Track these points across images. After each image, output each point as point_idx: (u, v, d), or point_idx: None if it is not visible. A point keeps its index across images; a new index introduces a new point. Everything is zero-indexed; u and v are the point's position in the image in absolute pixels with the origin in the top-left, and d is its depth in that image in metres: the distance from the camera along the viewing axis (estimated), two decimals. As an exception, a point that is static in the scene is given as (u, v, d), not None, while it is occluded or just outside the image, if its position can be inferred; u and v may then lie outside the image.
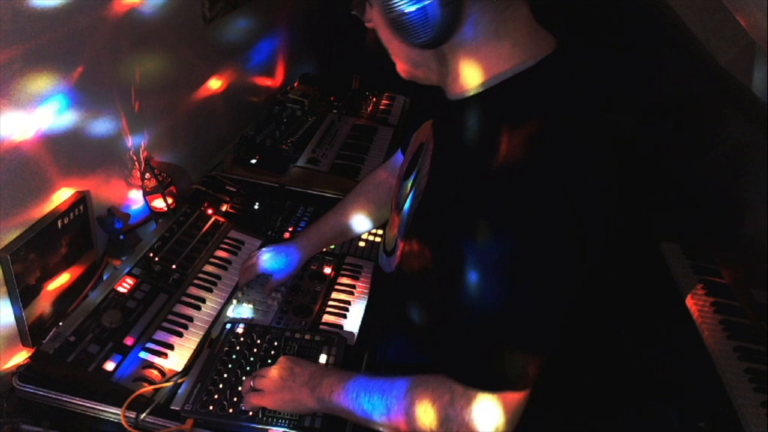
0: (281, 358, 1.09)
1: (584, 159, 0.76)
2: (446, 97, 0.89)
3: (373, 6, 0.81)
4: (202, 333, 1.32)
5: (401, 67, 0.89)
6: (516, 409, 0.81)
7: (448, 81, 0.86)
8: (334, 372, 1.03)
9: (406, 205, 1.01)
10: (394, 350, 1.13)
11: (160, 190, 1.58)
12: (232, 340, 1.26)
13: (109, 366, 1.17)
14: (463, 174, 0.82)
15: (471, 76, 0.83)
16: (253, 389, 1.09)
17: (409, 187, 1.03)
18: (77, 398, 1.14)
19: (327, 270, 1.56)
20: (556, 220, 0.73)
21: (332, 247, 1.66)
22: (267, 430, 1.10)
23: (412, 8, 0.72)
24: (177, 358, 1.24)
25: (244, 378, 1.17)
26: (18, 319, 1.22)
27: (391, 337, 1.13)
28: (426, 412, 0.84)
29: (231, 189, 1.81)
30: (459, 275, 0.78)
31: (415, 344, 1.06)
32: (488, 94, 0.82)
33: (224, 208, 1.73)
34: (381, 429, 0.93)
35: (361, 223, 1.40)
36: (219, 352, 1.24)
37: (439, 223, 0.85)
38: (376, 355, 1.23)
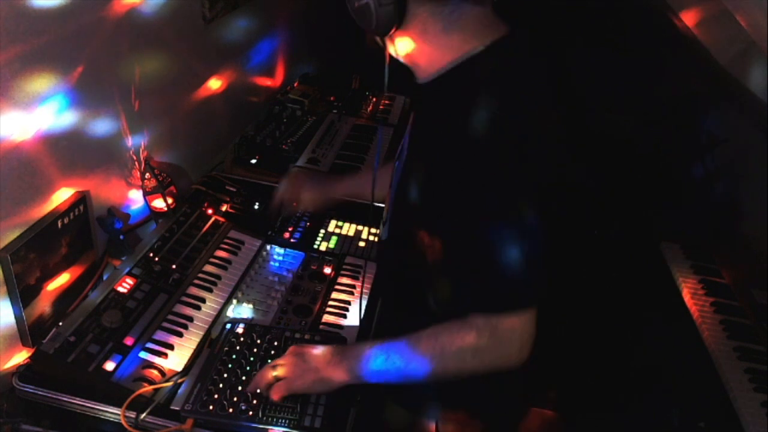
0: (291, 348, 1.14)
1: (522, 103, 0.93)
2: (417, 83, 1.05)
3: None
4: (202, 333, 1.32)
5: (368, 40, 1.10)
6: (531, 326, 0.93)
7: (414, 67, 1.03)
8: (352, 345, 1.17)
9: (395, 179, 1.17)
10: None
11: (160, 190, 1.58)
12: (232, 340, 1.26)
13: (109, 366, 1.17)
14: (430, 141, 1.00)
15: (429, 64, 0.99)
16: (277, 380, 1.10)
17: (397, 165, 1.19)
18: (77, 398, 1.14)
19: (327, 270, 1.56)
20: (512, 151, 0.90)
21: (332, 246, 1.66)
22: (267, 430, 1.10)
23: (361, 3, 0.93)
24: (177, 358, 1.24)
25: (244, 378, 1.17)
26: (18, 319, 1.22)
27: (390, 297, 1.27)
28: (459, 351, 0.96)
29: (231, 189, 1.81)
30: (454, 218, 0.93)
31: (410, 298, 1.17)
32: (445, 76, 0.97)
33: (224, 208, 1.73)
34: (417, 379, 1.01)
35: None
36: (219, 352, 1.23)
37: (419, 185, 1.00)
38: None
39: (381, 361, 1.04)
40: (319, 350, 1.12)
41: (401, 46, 0.99)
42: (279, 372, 1.11)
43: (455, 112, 0.92)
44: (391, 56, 1.01)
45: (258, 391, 1.13)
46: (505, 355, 0.95)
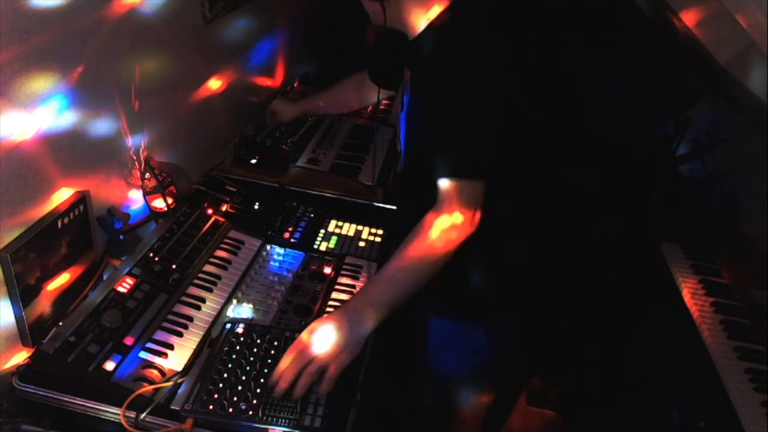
0: (303, 337, 1.17)
1: (490, 32, 1.28)
2: (409, 41, 1.34)
3: None
4: (202, 333, 1.32)
5: (372, 15, 1.37)
6: (482, 191, 1.26)
7: (401, 25, 1.33)
8: (358, 295, 1.31)
9: (402, 124, 1.45)
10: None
11: (160, 190, 1.58)
12: (232, 340, 1.26)
13: (109, 366, 1.17)
14: (431, 74, 1.29)
15: (415, 20, 1.31)
16: (320, 372, 1.14)
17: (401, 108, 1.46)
18: (77, 398, 1.14)
19: (327, 270, 1.56)
20: (486, 60, 1.24)
21: (332, 246, 1.66)
22: (267, 429, 1.10)
23: None
24: (177, 357, 1.24)
25: (244, 378, 1.17)
26: (18, 319, 1.22)
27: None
28: (442, 232, 1.24)
29: (231, 189, 1.81)
30: (435, 111, 1.27)
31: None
32: (431, 25, 1.29)
33: (224, 208, 1.73)
34: (433, 274, 1.25)
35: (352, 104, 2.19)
36: (219, 352, 1.24)
37: (424, 118, 1.33)
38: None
39: (395, 283, 1.24)
40: (331, 320, 1.18)
41: (393, 8, 1.29)
42: (321, 364, 1.14)
43: (451, 50, 1.25)
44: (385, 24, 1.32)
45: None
46: (469, 223, 1.24)
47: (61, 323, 1.23)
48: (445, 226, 1.24)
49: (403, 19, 1.32)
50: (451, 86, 1.24)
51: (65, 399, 1.14)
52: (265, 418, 1.11)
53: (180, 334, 1.29)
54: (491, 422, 2.25)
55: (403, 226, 1.49)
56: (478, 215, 1.26)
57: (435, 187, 1.29)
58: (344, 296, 1.48)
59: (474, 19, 1.28)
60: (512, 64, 1.30)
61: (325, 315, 1.25)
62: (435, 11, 1.28)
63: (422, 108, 1.35)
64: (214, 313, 1.38)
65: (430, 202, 1.30)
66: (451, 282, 1.45)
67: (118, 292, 1.33)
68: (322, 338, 1.16)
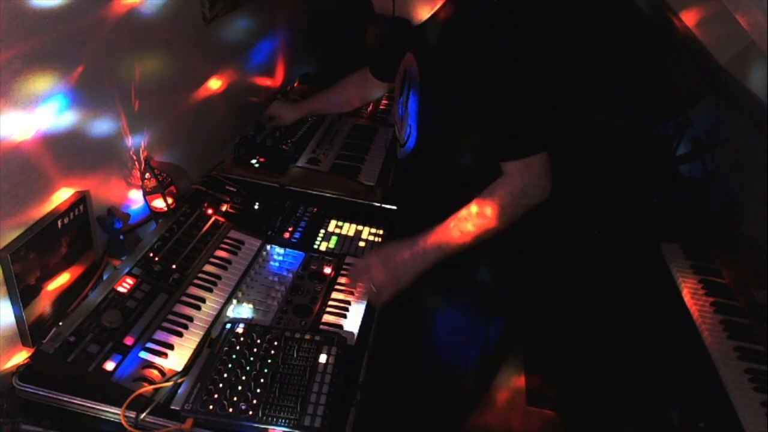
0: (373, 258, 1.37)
1: (512, 16, 1.33)
2: (412, 28, 1.42)
3: None
4: (202, 333, 1.32)
5: (378, 9, 1.44)
6: (549, 164, 1.30)
7: (407, 14, 1.41)
8: (417, 238, 1.35)
9: (411, 106, 1.48)
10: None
11: (160, 190, 1.58)
12: (232, 340, 1.26)
13: (109, 366, 1.17)
14: (446, 57, 1.33)
15: (421, 8, 1.38)
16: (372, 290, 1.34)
17: (407, 97, 1.50)
18: (77, 398, 1.14)
19: (327, 270, 1.56)
20: (523, 44, 1.32)
21: (332, 246, 1.66)
22: (267, 429, 1.10)
23: None
24: (177, 357, 1.24)
25: (244, 378, 1.17)
26: (18, 319, 1.22)
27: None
28: (511, 197, 1.30)
29: (231, 189, 1.81)
30: (487, 98, 1.29)
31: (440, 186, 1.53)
32: (438, 13, 1.37)
33: (224, 208, 1.73)
34: (479, 237, 1.32)
35: (353, 102, 2.15)
36: (219, 352, 1.24)
37: (447, 92, 1.34)
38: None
39: (448, 233, 1.33)
40: (398, 254, 1.35)
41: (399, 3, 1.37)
42: (375, 284, 1.34)
43: (466, 33, 1.30)
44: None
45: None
46: (542, 187, 1.30)
47: (61, 323, 1.23)
48: (515, 195, 1.30)
49: (408, 7, 1.39)
50: (481, 71, 1.28)
51: (65, 399, 1.14)
52: (265, 418, 1.11)
53: (180, 334, 1.29)
54: (490, 419, 2.25)
55: (409, 206, 1.67)
56: (549, 185, 1.31)
57: (450, 165, 1.41)
58: (344, 296, 1.48)
59: (483, 7, 1.34)
60: (528, 44, 1.36)
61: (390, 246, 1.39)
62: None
63: (444, 93, 1.37)
64: (214, 313, 1.38)
65: (441, 181, 1.43)
66: (455, 278, 1.55)
67: (118, 292, 1.33)
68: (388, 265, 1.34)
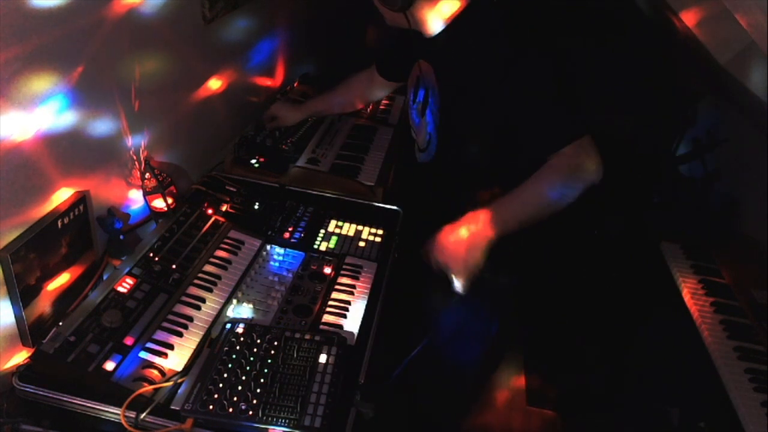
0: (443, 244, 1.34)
1: (522, 23, 1.39)
2: (424, 39, 1.48)
3: None
4: (202, 333, 1.32)
5: (391, 21, 1.49)
6: (591, 142, 1.35)
7: (422, 28, 1.47)
8: (488, 211, 1.34)
9: (429, 114, 1.55)
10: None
11: (160, 190, 1.58)
12: (232, 340, 1.26)
13: (109, 366, 1.17)
14: (466, 68, 1.41)
15: (435, 22, 1.45)
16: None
17: (422, 103, 1.57)
18: (77, 398, 1.14)
19: (327, 270, 1.56)
20: (539, 47, 1.37)
21: (332, 246, 1.66)
22: (267, 429, 1.10)
23: None
24: (177, 357, 1.24)
25: (244, 378, 1.17)
26: (18, 319, 1.22)
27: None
28: (572, 170, 1.34)
29: (231, 189, 1.81)
30: (518, 102, 1.35)
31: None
32: (450, 26, 1.43)
33: (224, 208, 1.73)
34: (548, 210, 1.35)
35: (357, 103, 2.19)
36: (219, 352, 1.24)
37: (471, 98, 1.42)
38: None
39: (519, 209, 1.35)
40: (464, 228, 1.33)
41: (415, 15, 1.42)
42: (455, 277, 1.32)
43: (482, 43, 1.38)
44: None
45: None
46: (595, 164, 1.34)
47: (61, 323, 1.23)
48: (572, 167, 1.34)
49: (420, 21, 1.45)
50: (505, 78, 1.34)
51: (65, 399, 1.14)
52: (265, 418, 1.11)
53: (180, 334, 1.29)
54: (490, 419, 2.25)
55: (430, 208, 1.69)
56: (601, 164, 1.35)
57: (476, 170, 1.46)
58: (344, 296, 1.48)
59: (495, 10, 1.41)
60: (540, 42, 1.41)
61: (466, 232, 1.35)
62: (450, 11, 1.42)
63: (468, 104, 1.44)
64: (214, 313, 1.38)
65: (465, 184, 1.48)
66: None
67: (118, 292, 1.33)
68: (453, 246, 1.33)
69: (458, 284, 1.34)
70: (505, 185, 1.39)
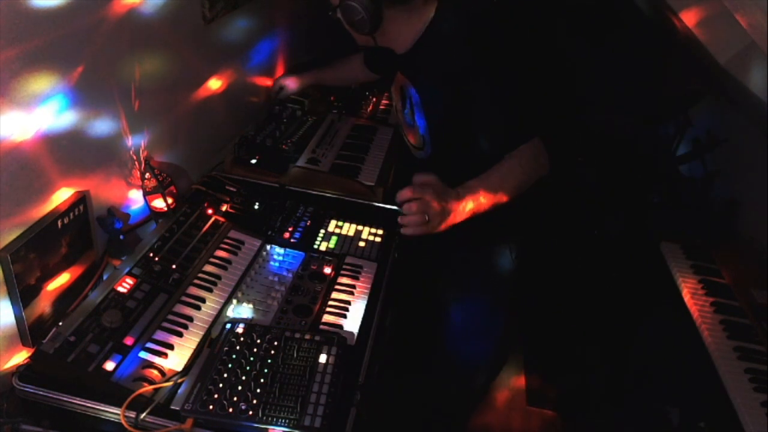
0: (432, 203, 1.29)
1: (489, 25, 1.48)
2: (397, 54, 1.56)
3: (339, 10, 1.48)
4: (202, 333, 1.32)
5: (361, 41, 1.55)
6: (542, 143, 1.43)
7: (392, 45, 1.54)
8: (468, 187, 1.37)
9: (418, 119, 1.63)
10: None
11: (160, 190, 1.58)
12: (232, 340, 1.26)
13: (109, 366, 1.17)
14: (436, 80, 1.51)
15: (404, 40, 1.52)
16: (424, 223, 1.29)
17: (410, 110, 1.65)
18: (77, 398, 1.14)
19: (327, 270, 1.56)
20: (514, 46, 1.47)
21: (332, 246, 1.66)
22: (267, 429, 1.10)
23: (357, 18, 1.42)
24: (177, 357, 1.24)
25: (244, 378, 1.17)
26: (18, 319, 1.22)
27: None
28: (531, 156, 1.42)
29: (231, 189, 1.81)
30: (493, 101, 1.44)
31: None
32: (419, 42, 1.50)
33: (224, 208, 1.73)
34: (520, 185, 1.42)
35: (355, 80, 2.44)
36: (219, 352, 1.24)
37: (452, 103, 1.49)
38: None
39: (488, 192, 1.38)
40: (452, 204, 1.32)
41: (382, 37, 1.50)
42: (429, 213, 1.28)
43: (446, 58, 1.46)
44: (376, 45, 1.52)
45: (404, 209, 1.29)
46: (546, 159, 1.43)
47: (61, 323, 1.23)
48: (536, 154, 1.42)
49: (388, 42, 1.53)
50: (474, 82, 1.43)
51: (65, 399, 1.14)
52: (265, 418, 1.11)
53: (180, 334, 1.29)
54: (490, 419, 2.26)
55: None
56: (549, 158, 1.44)
57: (471, 163, 1.47)
58: (344, 296, 1.48)
59: (458, 24, 1.47)
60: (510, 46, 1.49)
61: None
62: (414, 31, 1.49)
63: (448, 109, 1.52)
64: (214, 313, 1.38)
65: (464, 178, 1.49)
66: (469, 270, 1.68)
67: (118, 292, 1.33)
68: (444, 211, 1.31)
69: (427, 228, 1.31)
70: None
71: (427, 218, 1.29)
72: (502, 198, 1.40)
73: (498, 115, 1.46)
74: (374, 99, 2.65)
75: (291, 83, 2.36)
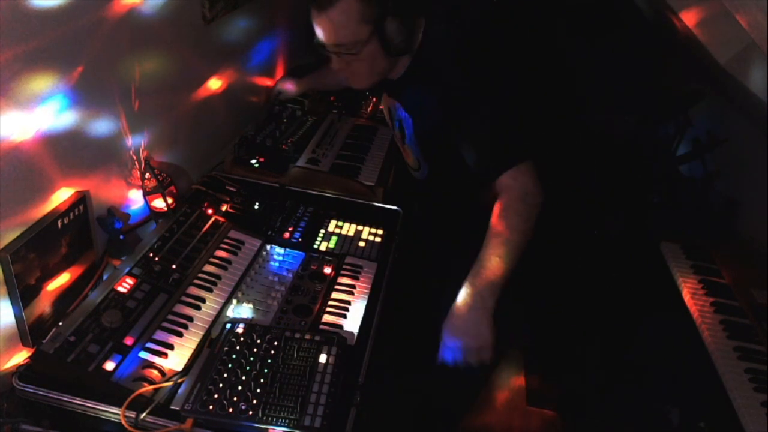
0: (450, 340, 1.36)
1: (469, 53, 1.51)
2: (390, 80, 1.59)
3: (370, 43, 1.43)
4: (202, 333, 1.32)
5: (370, 81, 1.56)
6: (531, 168, 1.42)
7: (392, 73, 1.57)
8: (471, 279, 1.38)
9: (412, 145, 1.67)
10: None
11: (160, 190, 1.58)
12: (232, 340, 1.26)
13: (109, 366, 1.17)
14: (425, 103, 1.53)
15: (396, 70, 1.56)
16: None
17: (403, 135, 1.69)
18: (77, 398, 1.14)
19: (327, 270, 1.56)
20: (488, 77, 1.48)
21: (332, 246, 1.66)
22: (267, 429, 1.10)
23: (401, 37, 1.43)
24: (177, 357, 1.24)
25: (244, 378, 1.17)
26: (18, 319, 1.22)
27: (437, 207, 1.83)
28: (519, 210, 1.39)
29: (231, 189, 1.81)
30: (473, 127, 1.45)
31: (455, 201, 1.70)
32: (410, 68, 1.54)
33: (224, 208, 1.73)
34: (517, 252, 1.38)
35: None
36: (219, 352, 1.24)
37: (439, 127, 1.51)
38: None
39: (500, 265, 1.36)
40: (462, 317, 1.35)
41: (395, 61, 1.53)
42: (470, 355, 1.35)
43: (438, 78, 1.47)
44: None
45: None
46: (536, 185, 1.39)
47: (61, 323, 1.23)
48: (521, 197, 1.40)
49: (389, 68, 1.55)
50: (455, 103, 1.44)
51: (65, 399, 1.14)
52: (265, 418, 1.11)
53: (180, 334, 1.29)
54: (490, 419, 2.26)
55: (436, 220, 1.82)
56: (541, 189, 1.41)
57: (467, 183, 1.50)
58: (344, 296, 1.48)
59: (447, 46, 1.52)
60: (503, 63, 1.52)
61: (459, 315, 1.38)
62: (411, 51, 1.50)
63: (439, 133, 1.54)
64: (214, 313, 1.38)
65: (463, 196, 1.56)
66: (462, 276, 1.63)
67: (118, 292, 1.33)
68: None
69: (483, 361, 1.37)
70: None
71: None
72: (514, 263, 1.37)
73: (483, 138, 1.45)
74: (374, 99, 2.65)
75: (290, 87, 2.35)
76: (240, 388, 1.16)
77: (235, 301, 1.42)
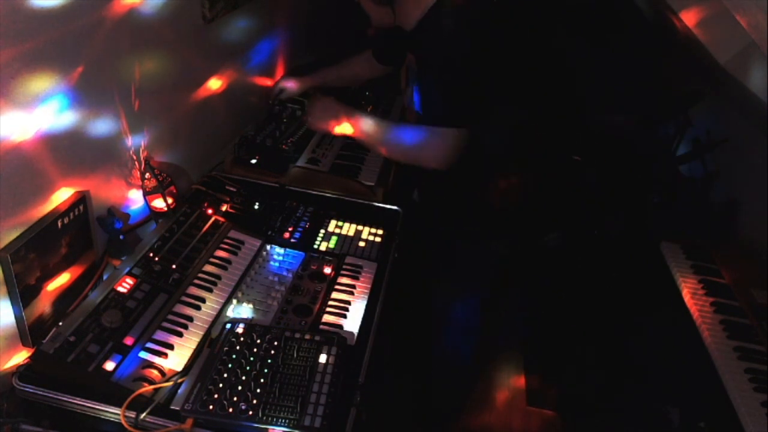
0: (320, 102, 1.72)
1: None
2: (407, 34, 1.61)
3: None
4: (202, 333, 1.32)
5: (376, 19, 1.69)
6: (457, 141, 1.52)
7: (403, 21, 1.60)
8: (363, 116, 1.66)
9: (415, 97, 1.76)
10: None
11: (160, 190, 1.58)
12: (232, 340, 1.26)
13: (109, 366, 1.17)
14: (438, 55, 1.55)
15: (413, 15, 1.55)
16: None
17: (412, 89, 1.78)
18: (77, 398, 1.14)
19: (327, 270, 1.56)
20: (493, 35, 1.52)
21: (332, 246, 1.66)
22: (267, 429, 1.10)
23: None
24: (177, 357, 1.24)
25: (244, 378, 1.17)
26: (18, 319, 1.22)
27: None
28: (435, 144, 1.54)
29: (231, 189, 1.81)
30: (452, 76, 1.51)
31: None
32: (423, 19, 1.53)
33: (224, 208, 1.73)
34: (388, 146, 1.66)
35: (357, 79, 2.41)
36: (219, 352, 1.24)
37: (437, 81, 1.59)
38: None
39: (385, 127, 1.64)
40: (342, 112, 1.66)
41: (396, 10, 1.61)
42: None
43: (448, 36, 1.51)
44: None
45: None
46: (444, 155, 1.53)
47: (61, 323, 1.23)
48: (441, 142, 1.53)
49: (400, 18, 1.60)
50: (450, 57, 1.51)
51: (65, 399, 1.14)
52: (264, 418, 1.11)
53: (180, 334, 1.29)
54: (490, 419, 2.26)
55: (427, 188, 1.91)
56: (448, 156, 1.53)
57: (459, 170, 1.53)
58: (344, 296, 1.48)
59: (458, 10, 1.55)
60: (501, 35, 1.56)
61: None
62: (425, 7, 1.53)
63: (436, 83, 1.61)
64: (214, 313, 1.38)
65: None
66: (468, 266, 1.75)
67: (118, 292, 1.33)
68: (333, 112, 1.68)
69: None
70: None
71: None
72: (378, 145, 1.65)
73: (447, 93, 1.55)
74: (373, 100, 2.65)
75: (292, 85, 2.35)
76: (240, 388, 1.16)
77: (235, 301, 1.42)
